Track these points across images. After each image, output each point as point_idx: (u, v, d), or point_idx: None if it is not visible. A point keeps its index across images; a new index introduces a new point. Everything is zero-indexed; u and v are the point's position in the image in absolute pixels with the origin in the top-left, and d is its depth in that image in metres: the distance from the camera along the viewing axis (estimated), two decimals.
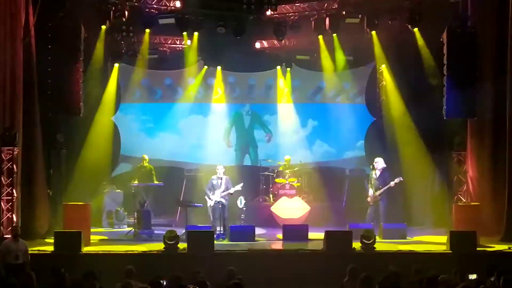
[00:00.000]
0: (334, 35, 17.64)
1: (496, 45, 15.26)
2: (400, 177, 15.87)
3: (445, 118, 15.34)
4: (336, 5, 16.71)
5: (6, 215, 13.92)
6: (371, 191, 15.64)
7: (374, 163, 15.87)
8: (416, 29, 15.94)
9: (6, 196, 13.95)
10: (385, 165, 15.79)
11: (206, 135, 18.92)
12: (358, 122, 18.84)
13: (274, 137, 19.29)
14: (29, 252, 12.07)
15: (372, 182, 15.70)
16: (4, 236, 13.39)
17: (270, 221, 16.60)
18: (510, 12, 14.65)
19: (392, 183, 15.60)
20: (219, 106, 19.02)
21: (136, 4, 16.18)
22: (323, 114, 18.99)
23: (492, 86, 15.23)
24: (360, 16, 16.57)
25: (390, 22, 16.28)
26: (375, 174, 15.72)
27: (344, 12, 16.61)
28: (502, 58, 14.96)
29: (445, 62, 15.09)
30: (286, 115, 19.04)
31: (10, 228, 13.53)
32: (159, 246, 13.53)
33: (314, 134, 19.18)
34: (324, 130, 19.08)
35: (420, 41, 16.34)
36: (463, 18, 15.10)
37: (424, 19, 15.78)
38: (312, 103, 19.05)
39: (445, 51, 15.11)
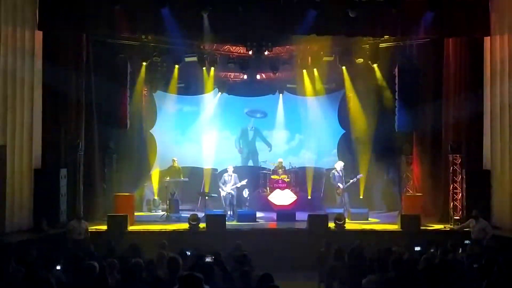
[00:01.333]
0: (315, 69, 17.64)
1: (433, 77, 15.26)
2: (361, 174, 15.87)
3: (396, 130, 15.32)
4: (316, 47, 16.69)
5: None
6: (340, 185, 15.57)
7: (335, 165, 15.85)
8: (375, 65, 15.91)
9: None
10: (342, 166, 15.72)
11: (220, 144, 18.78)
12: (332, 134, 18.70)
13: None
14: (89, 230, 12.09)
15: (336, 180, 15.60)
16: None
17: (267, 207, 16.50)
18: (445, 53, 14.68)
19: (355, 179, 15.59)
20: (230, 123, 18.91)
21: (168, 46, 16.18)
22: (307, 129, 18.79)
23: (431, 106, 15.21)
24: (333, 55, 16.61)
25: (356, 60, 16.29)
26: (339, 173, 15.63)
27: (322, 52, 16.64)
28: (438, 86, 14.96)
29: (396, 89, 15.08)
30: (279, 130, 18.93)
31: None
32: (185, 226, 13.53)
33: (300, 145, 19.01)
34: (307, 142, 18.90)
35: (378, 74, 16.34)
36: (410, 57, 15.10)
37: (381, 58, 15.77)
38: (299, 120, 18.86)
39: (396, 81, 15.09)
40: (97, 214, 14.69)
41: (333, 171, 15.83)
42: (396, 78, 15.04)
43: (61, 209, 13.23)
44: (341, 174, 15.61)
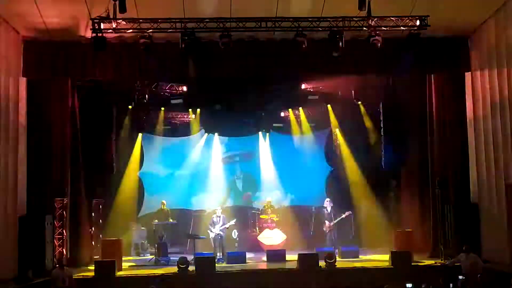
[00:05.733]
0: (300, 108, 17.79)
1: (418, 113, 15.42)
2: (349, 211, 15.82)
3: (383, 167, 15.37)
4: (301, 86, 16.90)
5: (58, 249, 13.65)
6: (327, 223, 15.51)
7: (325, 201, 15.82)
8: (360, 103, 16.08)
9: (58, 235, 13.69)
10: (332, 204, 15.71)
11: (207, 187, 18.74)
12: (320, 172, 18.75)
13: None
14: (75, 277, 11.87)
15: (326, 217, 15.58)
16: (56, 265, 13.14)
17: (257, 247, 16.38)
18: (427, 89, 14.91)
19: (343, 216, 15.53)
20: (217, 167, 18.83)
21: (153, 89, 16.31)
22: (294, 167, 18.67)
23: (417, 143, 15.36)
24: (318, 93, 16.80)
25: (340, 98, 16.50)
26: (327, 210, 15.61)
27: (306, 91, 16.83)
28: (423, 122, 15.11)
29: (381, 126, 15.20)
30: (267, 169, 18.82)
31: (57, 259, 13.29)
32: (174, 269, 13.32)
33: (288, 184, 18.73)
34: (295, 180, 18.74)
35: (363, 111, 16.50)
36: (393, 94, 15.26)
37: (366, 96, 15.95)
38: (286, 159, 18.83)
39: (381, 117, 15.22)
40: (84, 260, 14.47)
41: (324, 208, 15.80)
42: (381, 114, 15.20)
43: (46, 256, 13.02)
44: (329, 211, 15.59)
